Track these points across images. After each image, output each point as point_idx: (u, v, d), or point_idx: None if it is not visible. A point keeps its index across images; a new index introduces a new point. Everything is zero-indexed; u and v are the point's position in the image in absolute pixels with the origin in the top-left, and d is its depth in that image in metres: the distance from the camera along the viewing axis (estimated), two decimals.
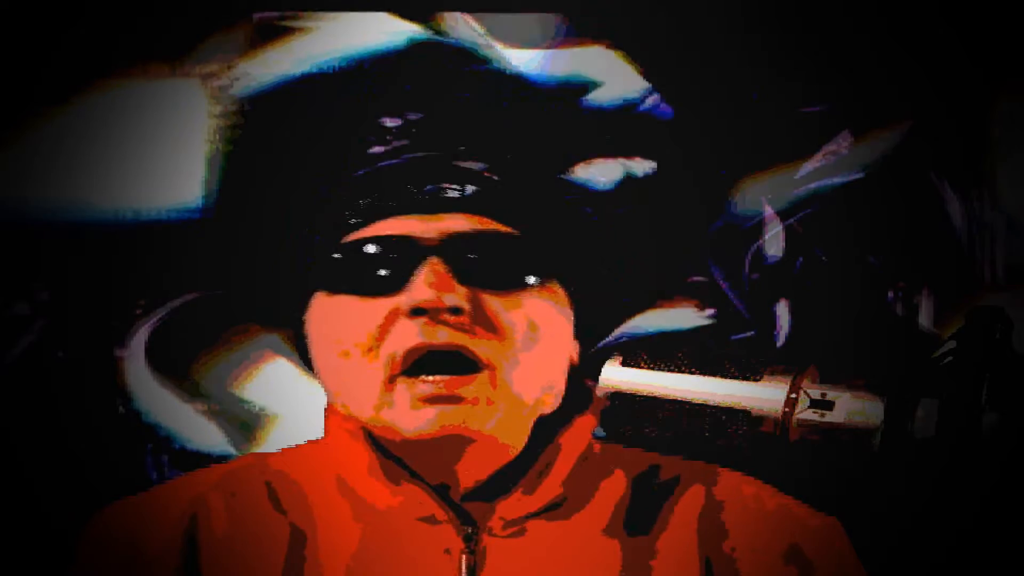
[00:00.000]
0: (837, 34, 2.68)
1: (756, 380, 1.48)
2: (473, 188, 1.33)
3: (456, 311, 1.27)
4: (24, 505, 2.60)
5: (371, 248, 1.31)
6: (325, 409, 1.39)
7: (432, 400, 1.27)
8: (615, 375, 1.53)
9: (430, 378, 1.27)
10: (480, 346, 1.28)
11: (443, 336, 1.27)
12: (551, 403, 1.35)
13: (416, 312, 1.27)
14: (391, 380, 1.28)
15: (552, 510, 1.34)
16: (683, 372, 1.52)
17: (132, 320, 2.72)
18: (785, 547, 1.35)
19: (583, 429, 1.39)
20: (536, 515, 1.33)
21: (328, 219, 1.34)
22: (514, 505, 1.33)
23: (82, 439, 2.67)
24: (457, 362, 1.28)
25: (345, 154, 1.38)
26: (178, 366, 2.73)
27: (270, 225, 1.40)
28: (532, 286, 1.32)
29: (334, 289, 1.32)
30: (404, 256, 1.29)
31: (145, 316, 2.72)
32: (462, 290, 1.28)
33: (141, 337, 2.73)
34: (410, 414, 1.27)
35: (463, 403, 1.27)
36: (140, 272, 2.72)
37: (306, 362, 1.37)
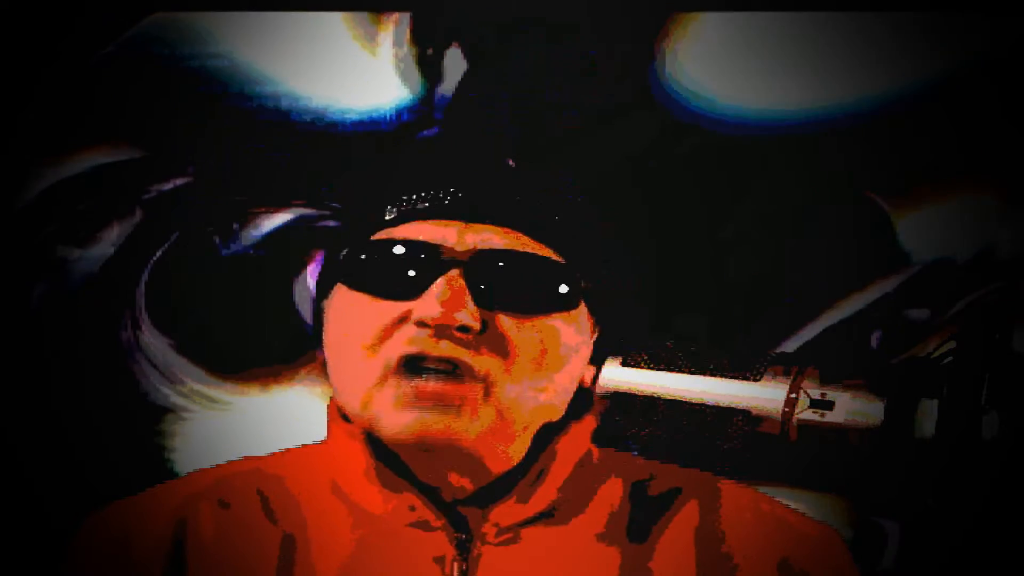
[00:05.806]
0: None
1: (756, 380, 1.48)
2: (519, 201, 1.31)
3: (464, 330, 1.26)
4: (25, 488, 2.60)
5: (398, 250, 1.29)
6: (328, 411, 1.38)
7: (414, 403, 1.25)
8: (615, 375, 1.52)
9: (416, 381, 1.26)
10: (481, 362, 1.27)
11: (444, 348, 1.25)
12: (553, 417, 1.34)
13: (422, 324, 1.26)
14: (383, 380, 1.27)
15: (547, 517, 1.32)
16: (683, 372, 1.51)
17: None
18: (781, 558, 1.34)
19: (581, 435, 1.37)
20: (530, 522, 1.32)
21: (365, 210, 1.33)
22: (508, 511, 1.31)
23: None
24: (452, 372, 1.26)
25: None
26: None
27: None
28: (555, 310, 1.31)
29: (354, 285, 1.31)
30: (427, 264, 1.27)
31: None
32: (474, 309, 1.26)
33: None
34: (392, 415, 1.26)
35: (447, 410, 1.26)
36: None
37: (319, 343, 1.36)
